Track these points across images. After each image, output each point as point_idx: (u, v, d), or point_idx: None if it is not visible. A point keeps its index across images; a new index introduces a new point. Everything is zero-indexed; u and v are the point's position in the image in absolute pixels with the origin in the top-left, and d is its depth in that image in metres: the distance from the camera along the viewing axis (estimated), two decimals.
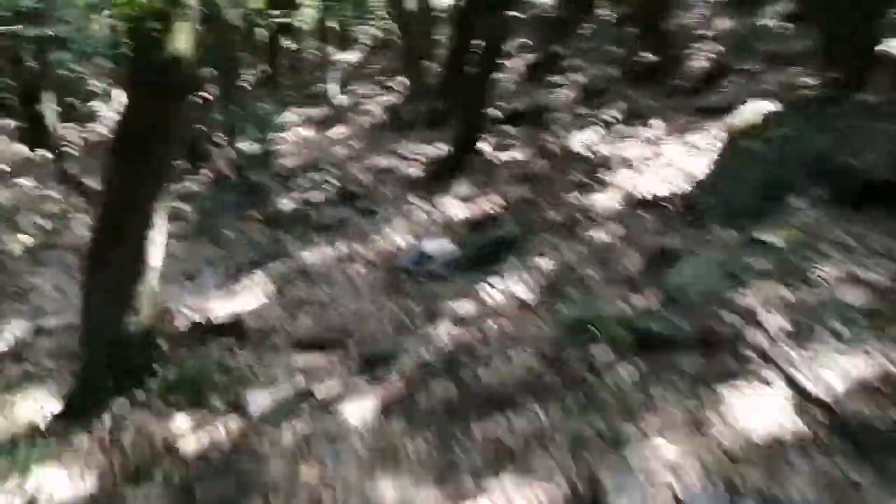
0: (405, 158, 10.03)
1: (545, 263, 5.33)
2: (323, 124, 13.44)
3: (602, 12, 13.11)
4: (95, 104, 23.26)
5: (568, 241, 5.77)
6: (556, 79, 11.43)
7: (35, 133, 17.71)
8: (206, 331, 5.19)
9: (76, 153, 18.12)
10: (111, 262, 4.30)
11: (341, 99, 14.16)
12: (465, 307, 4.92)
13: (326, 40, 18.37)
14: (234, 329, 5.22)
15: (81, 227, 8.92)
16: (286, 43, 19.49)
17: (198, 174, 10.12)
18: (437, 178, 8.44)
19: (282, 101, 15.66)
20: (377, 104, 13.52)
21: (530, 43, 13.49)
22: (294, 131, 13.45)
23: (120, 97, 21.71)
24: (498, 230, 5.95)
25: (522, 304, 4.69)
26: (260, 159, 9.52)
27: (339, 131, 12.81)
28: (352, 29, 21.11)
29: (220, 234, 8.25)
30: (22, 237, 9.01)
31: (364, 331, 4.99)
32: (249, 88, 18.75)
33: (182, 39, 4.24)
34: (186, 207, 9.68)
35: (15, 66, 13.81)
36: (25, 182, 14.61)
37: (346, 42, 19.91)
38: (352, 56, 18.62)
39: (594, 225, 6.07)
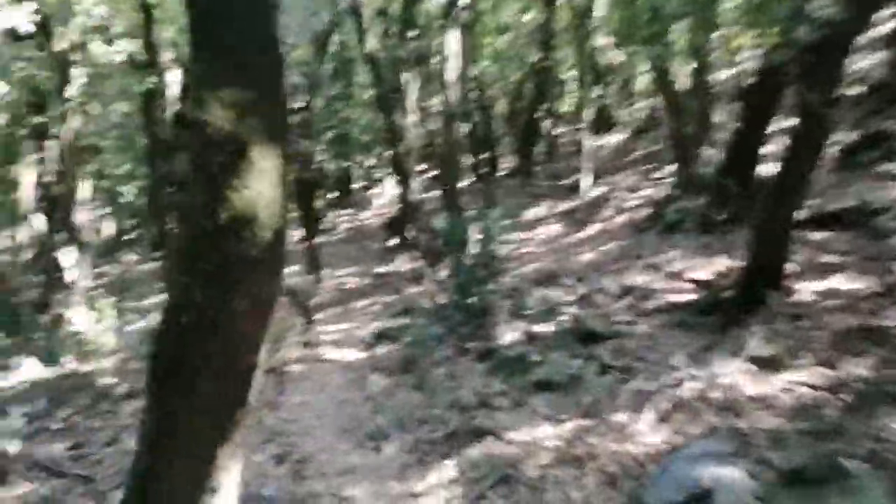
0: (668, 276, 7.38)
1: None
2: (571, 221, 11.26)
3: None
4: (375, 191, 24.00)
5: None
6: (889, 167, 7.94)
7: (308, 220, 18.30)
8: None
9: (341, 237, 18.28)
10: None
11: (595, 191, 11.89)
12: None
13: (585, 124, 16.31)
14: None
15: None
16: (546, 127, 17.95)
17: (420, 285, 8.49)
18: (717, 318, 5.67)
19: (531, 193, 13.90)
20: (637, 199, 11.00)
21: (838, 120, 10.00)
22: (538, 229, 11.47)
23: (391, 184, 21.99)
24: (847, 481, 3.05)
25: None
26: (487, 271, 7.54)
27: (588, 231, 10.51)
28: (613, 111, 18.93)
29: (426, 373, 6.36)
30: None
31: None
32: (500, 176, 17.41)
33: (265, 182, 2.37)
34: (404, 322, 8.08)
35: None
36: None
37: (605, 125, 17.73)
38: (611, 141, 16.36)
39: None
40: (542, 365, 5.75)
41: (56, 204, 9.57)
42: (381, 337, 7.67)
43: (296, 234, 16.43)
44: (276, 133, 2.52)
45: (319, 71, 18.38)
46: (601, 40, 13.80)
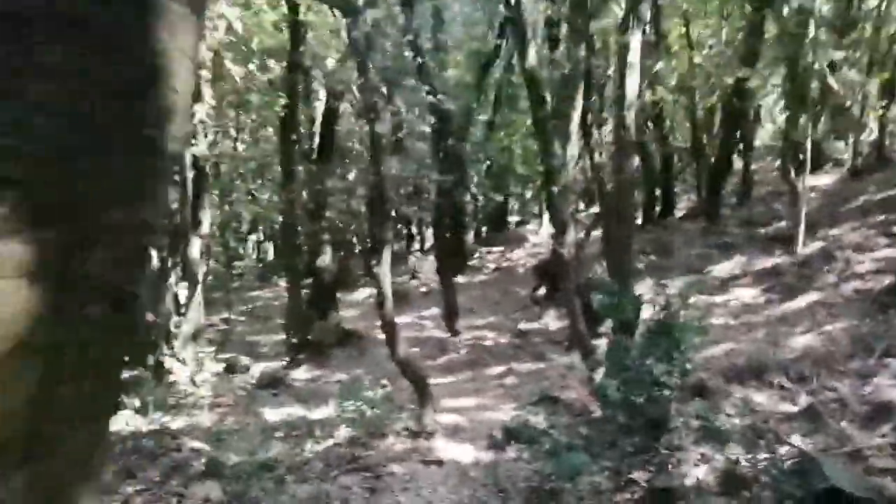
0: None
1: None
2: (777, 286, 8.72)
3: None
4: (531, 227, 22.25)
5: None
6: None
7: (449, 258, 16.91)
8: None
9: (487, 278, 16.69)
10: None
11: (808, 247, 9.24)
12: None
13: (788, 159, 13.36)
14: None
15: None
16: (739, 161, 15.18)
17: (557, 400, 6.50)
18: None
19: (718, 243, 11.40)
20: (872, 261, 8.27)
21: None
22: (730, 293, 9.05)
23: (547, 221, 20.14)
24: None
25: None
26: (665, 366, 5.44)
27: (801, 302, 7.98)
28: (824, 145, 15.68)
29: None
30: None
31: None
32: (677, 219, 14.91)
33: None
34: (545, 417, 6.18)
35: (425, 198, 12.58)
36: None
37: (816, 160, 14.59)
38: (825, 180, 13.32)
39: None
40: None
41: (176, 234, 8.89)
42: (512, 436, 5.83)
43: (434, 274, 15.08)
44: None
45: (479, 95, 17.17)
46: (824, 57, 11.08)
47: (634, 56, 6.20)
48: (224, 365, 10.25)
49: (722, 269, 10.03)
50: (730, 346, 7.02)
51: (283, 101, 9.67)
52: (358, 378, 9.54)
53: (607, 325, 9.31)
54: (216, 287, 20.67)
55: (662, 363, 5.20)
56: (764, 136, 20.99)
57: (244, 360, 10.29)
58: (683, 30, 14.74)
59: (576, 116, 6.89)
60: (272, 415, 8.07)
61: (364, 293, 16.30)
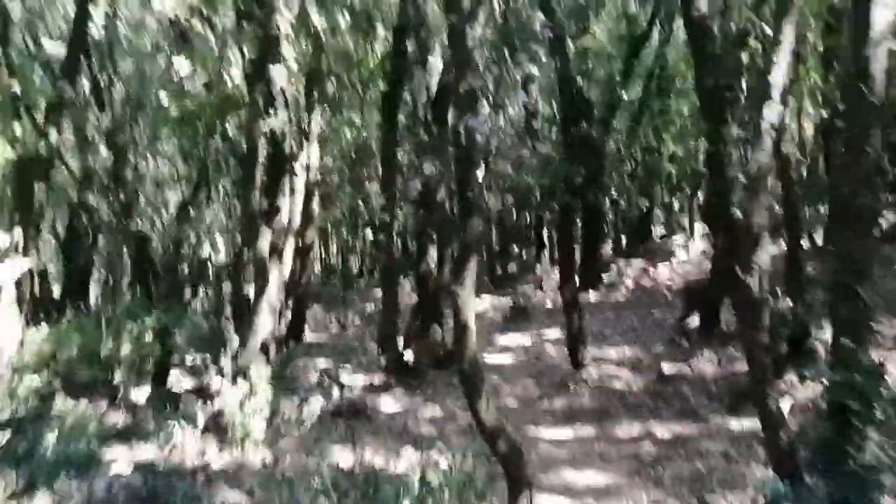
0: None
1: None
2: None
3: None
4: (678, 240, 19.17)
5: None
6: None
7: (589, 269, 14.44)
8: None
9: (623, 297, 14.03)
10: None
11: None
12: None
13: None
14: None
15: None
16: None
17: None
18: None
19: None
20: None
21: None
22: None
23: (700, 233, 17.03)
24: None
25: None
26: None
27: None
28: None
29: None
30: None
31: None
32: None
33: None
34: None
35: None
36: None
37: None
38: None
39: None
40: None
41: (253, 223, 7.39)
42: None
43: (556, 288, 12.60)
44: None
45: (625, 80, 14.47)
46: None
47: None
48: (316, 380, 8.69)
49: None
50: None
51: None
52: (453, 416, 7.56)
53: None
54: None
55: None
56: None
57: (328, 378, 8.62)
58: None
59: (783, 62, 4.27)
60: (340, 458, 6.27)
61: (486, 302, 14.20)
